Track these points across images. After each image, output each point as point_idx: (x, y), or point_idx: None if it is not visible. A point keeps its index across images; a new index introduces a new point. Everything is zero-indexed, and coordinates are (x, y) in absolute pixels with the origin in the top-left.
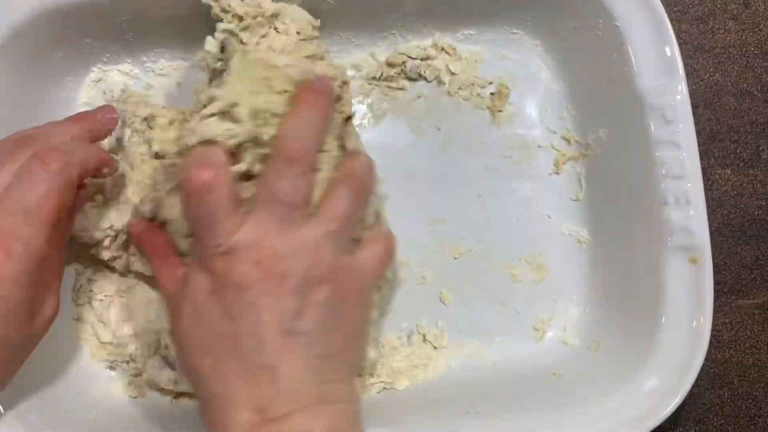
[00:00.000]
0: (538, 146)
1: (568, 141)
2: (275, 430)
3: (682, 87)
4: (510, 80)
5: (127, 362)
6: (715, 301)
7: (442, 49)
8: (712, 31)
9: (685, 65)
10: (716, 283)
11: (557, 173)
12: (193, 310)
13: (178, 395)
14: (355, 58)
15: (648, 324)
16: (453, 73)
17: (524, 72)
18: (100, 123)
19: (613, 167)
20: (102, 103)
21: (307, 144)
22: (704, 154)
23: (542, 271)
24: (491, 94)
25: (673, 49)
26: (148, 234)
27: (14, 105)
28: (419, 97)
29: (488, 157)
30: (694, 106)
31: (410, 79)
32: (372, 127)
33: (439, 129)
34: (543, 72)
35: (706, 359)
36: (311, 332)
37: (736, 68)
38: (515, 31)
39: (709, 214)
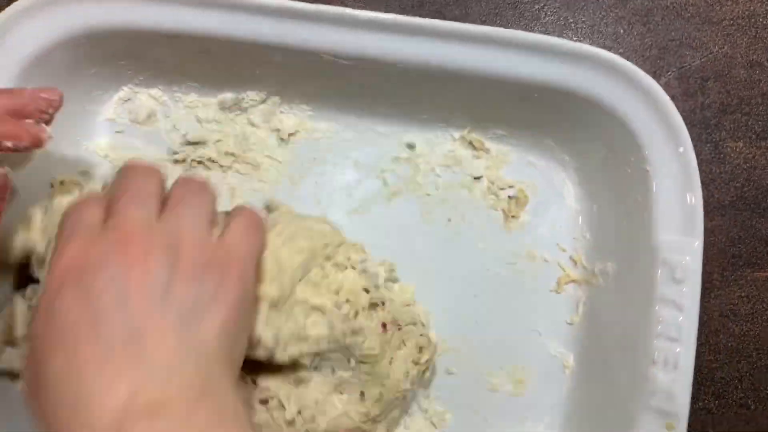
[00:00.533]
0: (545, 260)
1: (575, 263)
2: (148, 423)
3: (698, 246)
4: (531, 187)
5: None
6: (731, 275)
7: (470, 142)
8: (720, 2)
9: (694, 38)
10: (732, 256)
11: (558, 292)
12: (44, 313)
13: None
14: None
15: None
16: (476, 177)
17: (547, 183)
18: (26, 99)
19: (612, 305)
20: (125, 121)
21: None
22: (715, 127)
23: (520, 387)
24: (509, 197)
25: (696, 208)
26: None
27: None
28: (437, 182)
29: (492, 260)
30: (704, 80)
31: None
32: (384, 203)
33: (450, 220)
34: (566, 187)
35: (723, 333)
36: (184, 309)
37: (745, 39)
38: (547, 141)
39: (722, 187)
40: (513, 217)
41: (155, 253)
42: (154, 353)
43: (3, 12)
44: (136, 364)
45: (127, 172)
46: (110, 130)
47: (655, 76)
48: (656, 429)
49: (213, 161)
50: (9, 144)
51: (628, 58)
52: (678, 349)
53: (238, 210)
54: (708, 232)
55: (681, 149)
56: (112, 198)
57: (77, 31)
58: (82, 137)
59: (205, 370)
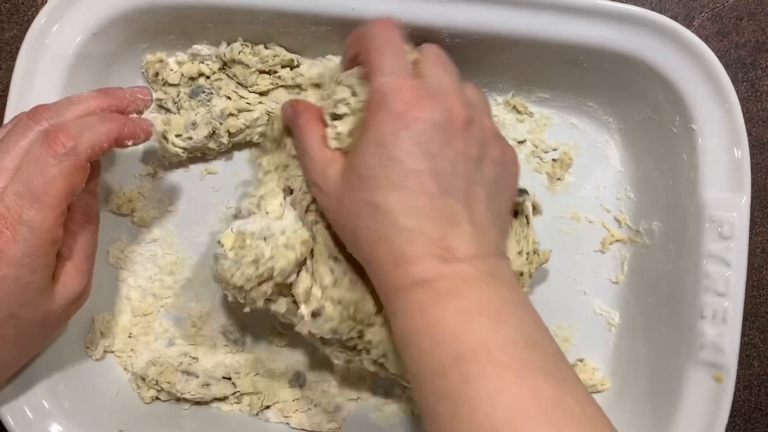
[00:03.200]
0: (589, 221)
1: (619, 222)
2: (463, 269)
3: (745, 201)
4: (574, 150)
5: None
6: (765, 209)
7: (514, 107)
8: None
9: None
10: None
11: (602, 251)
12: (379, 148)
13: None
14: None
15: (660, 427)
16: (520, 141)
17: (590, 144)
18: (127, 100)
19: (658, 262)
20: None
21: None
22: (751, 65)
23: (566, 344)
24: (553, 160)
25: (743, 164)
26: (304, 104)
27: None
28: None
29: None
30: (738, 18)
31: None
32: None
33: None
34: (609, 149)
35: (766, 269)
36: (489, 185)
37: None
38: (590, 103)
39: (760, 125)
40: (557, 179)
41: (473, 129)
42: (477, 216)
43: None
44: (459, 225)
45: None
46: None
47: (689, 17)
48: (704, 381)
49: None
50: (130, 143)
51: (661, 1)
52: (726, 303)
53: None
54: None
55: (726, 105)
56: (423, 55)
57: (129, 7)
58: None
59: (503, 243)
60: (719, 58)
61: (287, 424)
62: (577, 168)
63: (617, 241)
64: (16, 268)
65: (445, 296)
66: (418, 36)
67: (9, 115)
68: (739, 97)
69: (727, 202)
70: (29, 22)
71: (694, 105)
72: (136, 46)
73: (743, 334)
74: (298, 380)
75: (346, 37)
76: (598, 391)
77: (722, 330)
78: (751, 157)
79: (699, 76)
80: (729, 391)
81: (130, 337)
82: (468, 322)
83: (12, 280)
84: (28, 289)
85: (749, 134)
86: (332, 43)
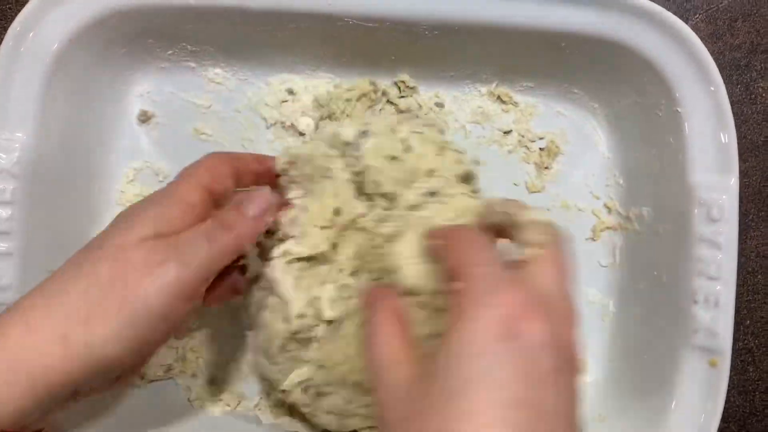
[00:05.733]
0: (579, 209)
1: (609, 209)
2: None
3: (734, 183)
4: (561, 138)
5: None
6: (765, 216)
7: (498, 97)
8: None
9: None
10: (767, 196)
11: (594, 239)
12: (474, 358)
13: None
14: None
15: (656, 413)
16: (505, 132)
17: (577, 132)
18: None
19: (649, 249)
20: (157, 99)
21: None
22: (745, 68)
23: None
24: (540, 149)
25: (730, 146)
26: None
27: (76, 96)
28: (467, 138)
29: None
30: (732, 20)
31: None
32: None
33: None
34: (596, 135)
35: (761, 273)
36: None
37: None
38: (575, 90)
39: (754, 128)
40: (545, 168)
41: (576, 357)
42: None
43: None
44: None
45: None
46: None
47: (683, 18)
48: (700, 366)
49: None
50: (271, 220)
51: (655, 3)
52: (718, 287)
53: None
54: (742, 174)
55: (712, 88)
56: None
57: (105, 12)
58: (117, 116)
59: None
60: (713, 60)
61: (280, 426)
62: (564, 156)
63: (608, 228)
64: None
65: None
66: (397, 29)
67: None
68: (733, 100)
69: (715, 184)
70: None
71: (679, 87)
72: (114, 50)
73: (738, 339)
74: None
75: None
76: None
77: (715, 314)
78: (746, 160)
79: (682, 59)
80: (725, 375)
81: None
82: None
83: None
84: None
85: (744, 137)
86: (313, 41)
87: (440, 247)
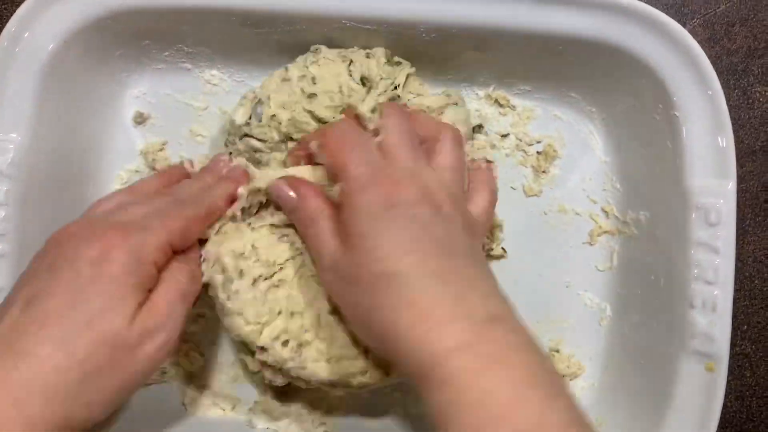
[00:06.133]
0: (576, 213)
1: (606, 214)
2: (498, 331)
3: (731, 187)
4: (558, 141)
5: None
6: (764, 220)
7: (496, 100)
8: None
9: None
10: (764, 201)
11: (591, 244)
12: (375, 221)
13: None
14: None
15: (653, 418)
16: (503, 135)
17: (574, 136)
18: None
19: (646, 253)
20: (153, 100)
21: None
22: (743, 72)
23: (558, 338)
24: (537, 153)
25: (728, 150)
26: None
27: (70, 97)
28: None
29: (524, 216)
30: (730, 25)
31: None
32: None
33: None
34: (593, 139)
35: (758, 278)
36: (470, 256)
37: None
38: (573, 94)
39: (751, 133)
40: (543, 172)
41: (447, 209)
42: (479, 283)
43: None
44: (479, 279)
45: (391, 113)
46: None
47: (681, 23)
48: (697, 371)
49: None
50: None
51: (653, 7)
52: (716, 292)
53: (481, 178)
54: (739, 178)
55: (709, 92)
56: (385, 139)
57: (101, 14)
58: (113, 118)
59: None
60: (711, 64)
61: (275, 430)
62: (562, 160)
63: (605, 232)
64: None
65: (491, 363)
66: (394, 32)
67: None
68: (730, 105)
69: (713, 188)
70: None
71: (676, 91)
72: (109, 52)
73: (735, 344)
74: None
75: (302, 138)
76: (577, 376)
77: (712, 318)
78: (743, 165)
79: (680, 63)
80: (722, 380)
81: None
82: (521, 397)
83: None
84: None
85: (741, 142)
86: (310, 44)
87: (321, 147)
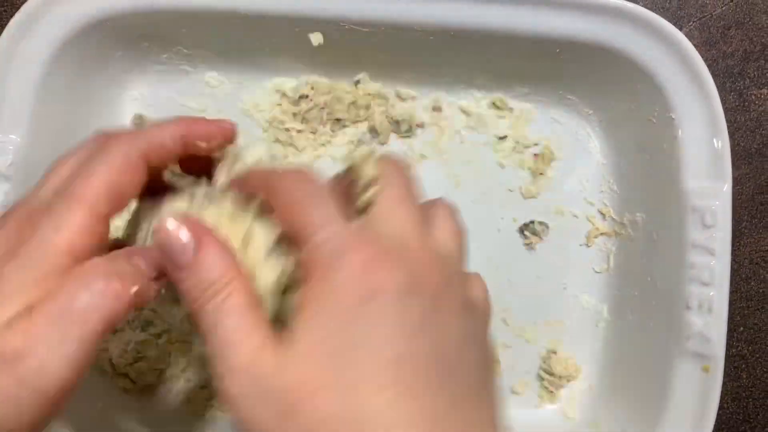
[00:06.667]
0: (573, 215)
1: (603, 216)
2: None
3: (727, 189)
4: (556, 144)
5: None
6: (760, 222)
7: (494, 103)
8: None
9: None
10: (760, 203)
11: (588, 245)
12: (344, 326)
13: None
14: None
15: (649, 420)
16: (501, 137)
17: (572, 138)
18: (202, 128)
19: (643, 254)
20: (152, 102)
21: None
22: (739, 75)
23: (555, 340)
24: (535, 155)
25: (724, 152)
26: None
27: (70, 99)
28: (462, 143)
29: (521, 218)
30: (726, 28)
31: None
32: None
33: (476, 182)
34: (591, 141)
35: (754, 280)
36: (478, 370)
37: None
38: (570, 96)
39: (747, 135)
40: (540, 174)
41: (449, 294)
42: (490, 401)
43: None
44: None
45: (390, 163)
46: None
47: (677, 26)
48: (693, 372)
49: None
50: (203, 144)
51: (649, 10)
52: (711, 293)
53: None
54: (735, 181)
55: (705, 95)
56: (383, 188)
57: (100, 15)
58: (112, 119)
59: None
60: (707, 67)
61: None
62: (559, 162)
63: (602, 234)
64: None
65: None
66: (393, 34)
67: None
68: (726, 107)
69: (708, 190)
70: None
71: (672, 94)
72: (109, 53)
73: (731, 346)
74: None
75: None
76: (574, 378)
77: (708, 320)
78: (739, 168)
79: (676, 65)
80: (718, 381)
81: None
82: None
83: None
84: None
85: (737, 145)
86: (309, 46)
87: (273, 201)
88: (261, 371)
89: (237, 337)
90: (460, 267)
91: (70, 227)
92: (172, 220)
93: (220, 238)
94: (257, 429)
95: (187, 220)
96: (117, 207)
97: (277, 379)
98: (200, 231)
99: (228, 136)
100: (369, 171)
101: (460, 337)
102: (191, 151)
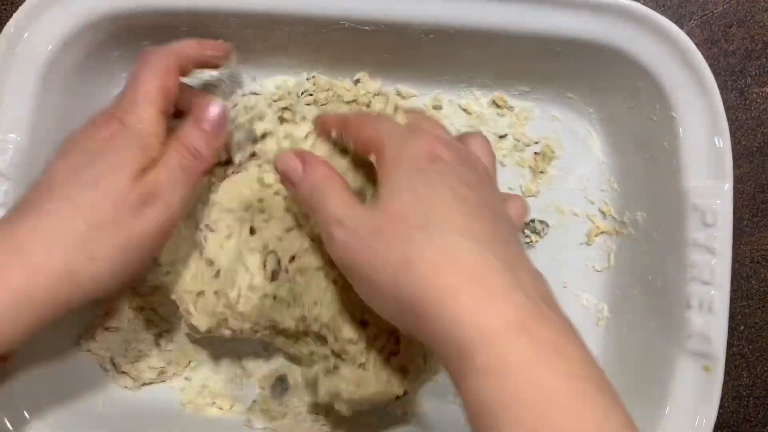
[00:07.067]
0: (574, 214)
1: (604, 214)
2: (548, 314)
3: (728, 188)
4: (556, 142)
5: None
6: (761, 220)
7: (494, 101)
8: None
9: None
10: (761, 202)
11: (588, 244)
12: (420, 174)
13: None
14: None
15: (650, 419)
16: (501, 136)
17: (572, 136)
18: (209, 42)
19: (643, 253)
20: None
21: None
22: (740, 73)
23: None
24: (535, 153)
25: (725, 151)
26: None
27: (69, 98)
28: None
29: None
30: (727, 26)
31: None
32: None
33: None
34: (591, 140)
35: (755, 278)
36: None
37: None
38: (570, 95)
39: (748, 134)
40: (540, 172)
41: (483, 176)
42: (524, 259)
43: None
44: (517, 243)
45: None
46: None
47: (678, 24)
48: (694, 371)
49: None
50: (209, 53)
51: (649, 8)
52: (712, 292)
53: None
54: (736, 179)
55: (706, 93)
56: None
57: (100, 14)
58: None
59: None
60: (708, 66)
61: (274, 430)
62: (559, 160)
63: (603, 233)
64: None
65: (550, 353)
66: (393, 32)
67: None
68: (727, 106)
69: (709, 189)
70: None
71: (673, 92)
72: (107, 54)
73: (732, 344)
74: (282, 385)
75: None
76: None
77: (709, 319)
78: (740, 166)
79: (677, 64)
80: (718, 380)
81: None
82: (583, 399)
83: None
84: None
85: (738, 143)
86: (309, 45)
87: (345, 130)
88: (357, 220)
89: (339, 202)
90: (494, 176)
91: (148, 118)
92: (286, 152)
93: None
94: (355, 255)
95: (296, 149)
96: (169, 102)
97: (370, 211)
98: (305, 155)
99: (228, 49)
100: (401, 120)
101: (499, 203)
102: (202, 61)
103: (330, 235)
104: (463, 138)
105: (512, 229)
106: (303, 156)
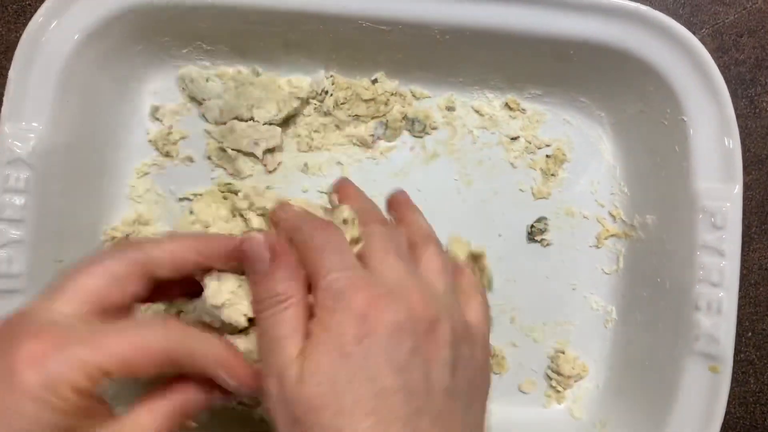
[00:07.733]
0: (584, 217)
1: (614, 217)
2: None
3: (738, 191)
4: (567, 145)
5: None
6: (762, 225)
7: (506, 104)
8: None
9: None
10: None
11: (598, 246)
12: (344, 359)
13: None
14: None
15: (657, 420)
16: (513, 138)
17: (583, 140)
18: (219, 246)
19: (653, 256)
20: (172, 96)
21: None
22: (751, 82)
23: (564, 340)
24: (546, 156)
25: (735, 153)
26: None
27: (91, 89)
28: (474, 143)
29: (531, 218)
30: (738, 35)
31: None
32: (421, 165)
33: (488, 181)
34: (602, 143)
35: (763, 285)
36: (464, 395)
37: None
38: (582, 98)
39: (758, 141)
40: (551, 175)
41: (440, 326)
42: None
43: None
44: None
45: (372, 220)
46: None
47: None
48: (701, 373)
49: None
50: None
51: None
52: (721, 294)
53: (470, 286)
54: (745, 187)
55: (717, 96)
56: (367, 244)
57: (122, 9)
58: (130, 112)
59: None
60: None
61: None
62: (570, 164)
63: (612, 235)
64: None
65: None
66: (409, 33)
67: (5, 114)
68: (738, 114)
69: (719, 192)
70: None
71: (684, 96)
72: (130, 48)
73: (740, 351)
74: None
75: (271, 215)
76: (581, 378)
77: (717, 320)
78: (749, 174)
79: (688, 68)
80: (726, 382)
81: None
82: None
83: None
84: None
85: (748, 150)
86: (326, 43)
87: (296, 242)
88: (288, 380)
89: (281, 346)
90: (451, 299)
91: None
92: (260, 235)
93: (293, 259)
94: (278, 425)
95: (270, 235)
96: (112, 305)
97: (296, 390)
98: (279, 249)
99: (245, 257)
100: (353, 233)
101: (449, 365)
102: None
103: (264, 380)
104: (412, 250)
105: (448, 398)
106: (277, 250)
